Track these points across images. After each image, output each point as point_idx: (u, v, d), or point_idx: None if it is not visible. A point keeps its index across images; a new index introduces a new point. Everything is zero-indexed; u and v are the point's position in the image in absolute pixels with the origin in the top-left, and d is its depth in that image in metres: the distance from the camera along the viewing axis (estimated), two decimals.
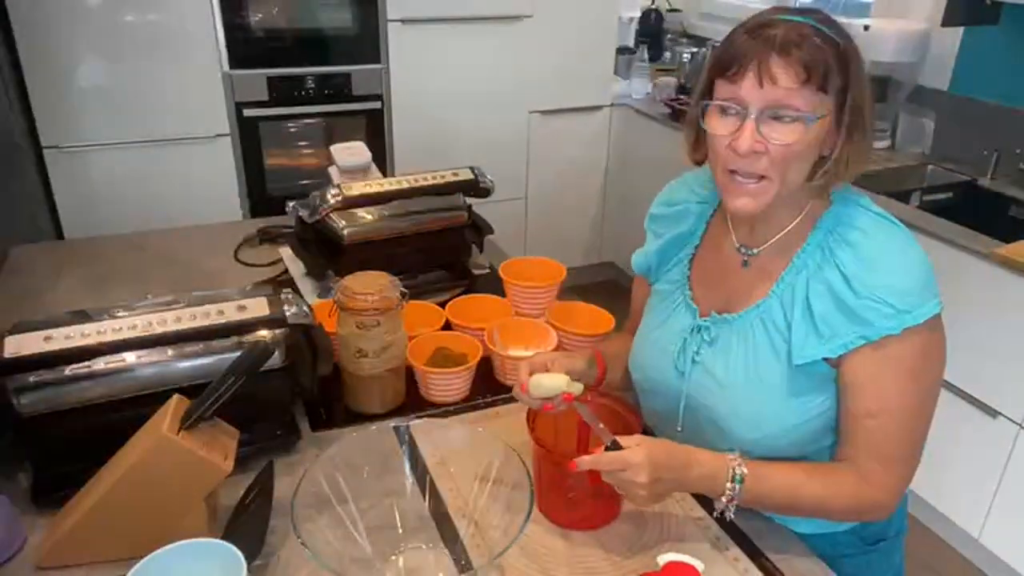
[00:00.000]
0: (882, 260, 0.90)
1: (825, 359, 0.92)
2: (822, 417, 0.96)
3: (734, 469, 0.91)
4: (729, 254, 1.03)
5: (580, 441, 1.03)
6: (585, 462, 0.89)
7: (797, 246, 0.97)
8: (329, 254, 1.53)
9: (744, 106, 0.88)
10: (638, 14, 3.78)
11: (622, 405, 1.04)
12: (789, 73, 0.85)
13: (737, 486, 0.91)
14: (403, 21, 2.92)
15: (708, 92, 0.93)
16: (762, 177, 0.90)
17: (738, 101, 0.88)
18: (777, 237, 0.98)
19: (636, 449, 0.88)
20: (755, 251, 1.00)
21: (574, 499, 0.97)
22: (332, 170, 1.82)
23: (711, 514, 1.02)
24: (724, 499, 0.92)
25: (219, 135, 2.82)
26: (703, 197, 1.10)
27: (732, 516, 0.94)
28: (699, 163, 1.01)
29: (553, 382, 0.98)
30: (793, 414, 0.95)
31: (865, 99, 0.89)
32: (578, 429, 1.03)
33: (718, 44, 0.94)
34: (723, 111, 0.90)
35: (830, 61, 0.86)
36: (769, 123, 0.87)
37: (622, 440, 0.90)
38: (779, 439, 0.96)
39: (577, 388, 0.99)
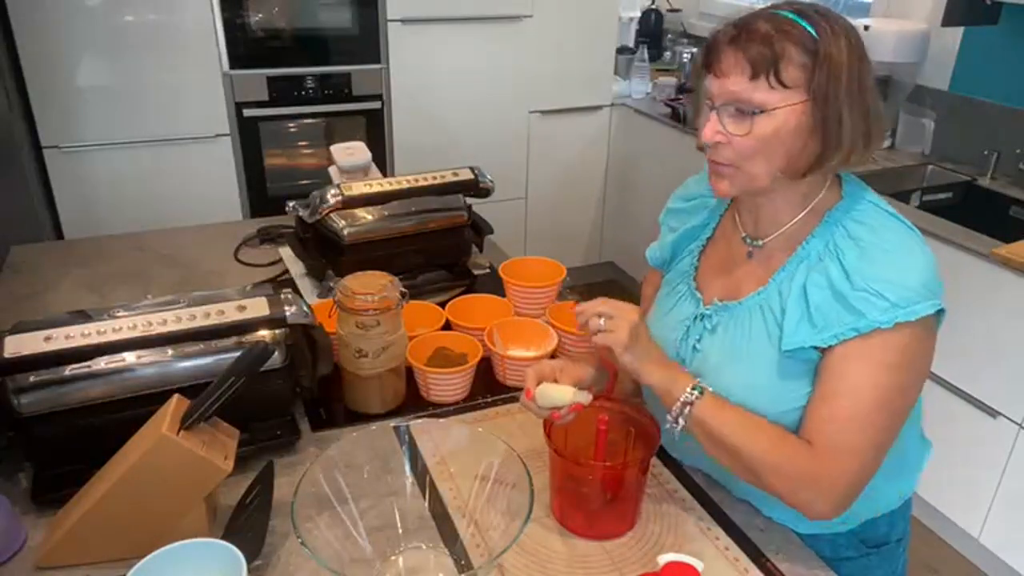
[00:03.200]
0: (885, 256, 0.90)
1: (817, 348, 0.92)
2: None
3: (699, 381, 0.94)
4: (736, 246, 1.05)
5: (597, 449, 1.03)
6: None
7: (802, 237, 0.97)
8: (329, 254, 1.52)
9: (710, 98, 0.91)
10: (638, 14, 3.77)
11: (638, 411, 1.03)
12: (736, 68, 0.88)
13: (696, 393, 0.93)
14: (403, 21, 2.92)
15: None
16: (726, 165, 0.93)
17: (707, 92, 0.92)
18: (783, 230, 0.99)
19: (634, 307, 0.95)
20: (760, 243, 1.01)
21: (591, 509, 0.97)
22: (332, 170, 1.82)
23: (712, 514, 1.02)
24: (680, 402, 0.93)
25: (219, 135, 2.82)
26: None
27: (679, 429, 0.94)
28: None
29: (560, 394, 0.97)
30: (783, 401, 0.95)
31: (843, 94, 0.87)
32: (595, 438, 1.02)
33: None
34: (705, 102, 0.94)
35: (789, 55, 0.86)
36: (728, 115, 0.90)
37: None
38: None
39: (586, 398, 0.98)
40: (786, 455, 0.90)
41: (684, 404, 0.93)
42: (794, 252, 0.97)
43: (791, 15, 0.88)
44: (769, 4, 0.92)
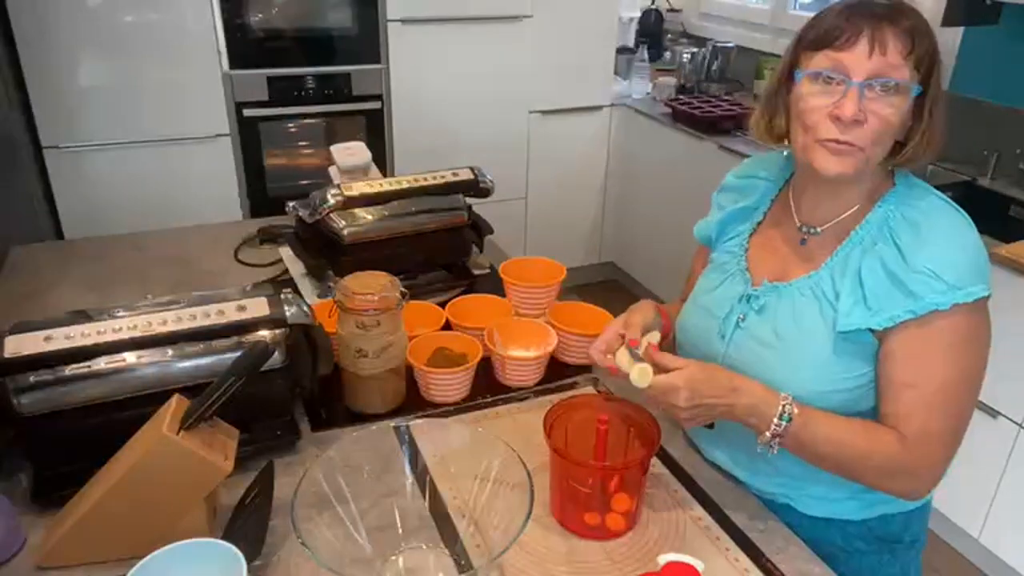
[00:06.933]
0: (938, 237, 0.91)
1: (871, 330, 0.93)
2: (858, 391, 0.96)
3: (784, 407, 0.93)
4: (789, 232, 1.06)
5: (597, 449, 1.03)
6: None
7: (856, 224, 0.98)
8: (329, 254, 1.52)
9: (847, 75, 0.89)
10: (638, 14, 3.77)
11: (638, 411, 1.03)
12: (898, 43, 0.88)
13: (784, 423, 0.92)
14: (403, 21, 2.92)
15: (794, 67, 0.95)
16: (853, 146, 0.91)
17: (842, 70, 0.90)
18: (840, 217, 1.00)
19: (678, 373, 0.93)
20: (818, 231, 1.02)
21: (591, 509, 0.97)
22: (332, 170, 1.82)
23: (712, 514, 1.02)
24: (768, 434, 0.93)
25: (219, 135, 2.82)
26: (772, 175, 1.12)
27: (775, 453, 0.95)
28: (780, 139, 1.02)
29: (631, 361, 1.00)
30: (828, 380, 0.96)
31: (941, 86, 0.92)
32: (596, 438, 1.02)
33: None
34: (825, 80, 0.91)
35: (924, 40, 0.89)
36: (872, 92, 0.89)
37: (671, 362, 0.96)
38: (809, 404, 0.96)
39: (655, 337, 1.06)
40: (885, 449, 0.92)
41: (774, 436, 0.93)
42: (848, 237, 0.98)
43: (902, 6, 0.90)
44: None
